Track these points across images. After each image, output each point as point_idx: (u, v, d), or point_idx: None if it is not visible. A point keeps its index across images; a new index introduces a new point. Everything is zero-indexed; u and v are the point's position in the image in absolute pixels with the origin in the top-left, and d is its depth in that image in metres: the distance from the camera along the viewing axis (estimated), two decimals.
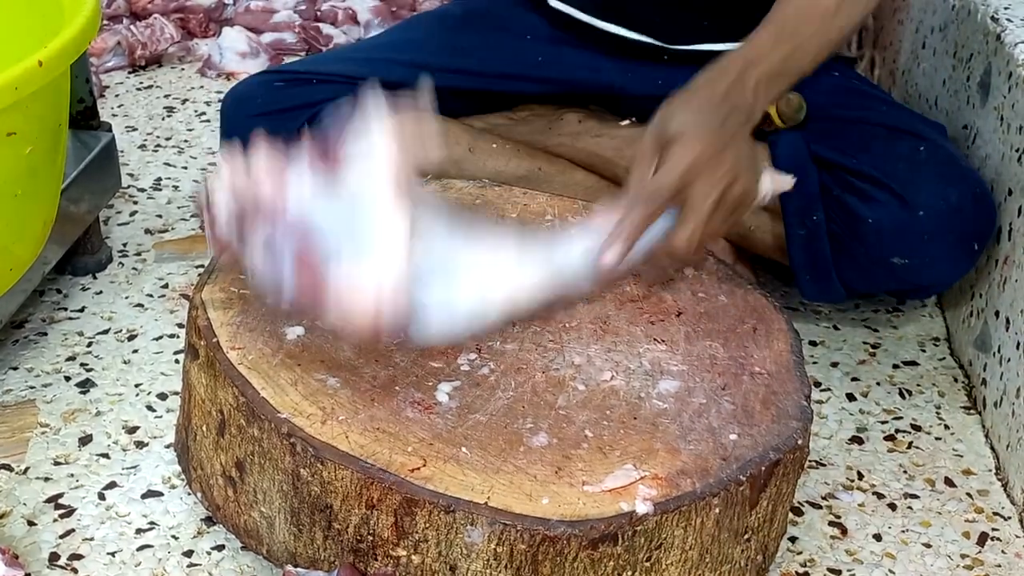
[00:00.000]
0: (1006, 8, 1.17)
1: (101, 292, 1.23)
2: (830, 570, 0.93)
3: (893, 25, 1.60)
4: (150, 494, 0.97)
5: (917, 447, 1.07)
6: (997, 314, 1.09)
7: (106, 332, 1.17)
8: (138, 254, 1.30)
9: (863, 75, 1.59)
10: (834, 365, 1.17)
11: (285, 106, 1.26)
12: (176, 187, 1.44)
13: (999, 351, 1.08)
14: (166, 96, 1.68)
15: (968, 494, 1.02)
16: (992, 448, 1.07)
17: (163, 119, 1.61)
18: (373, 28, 1.85)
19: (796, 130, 1.15)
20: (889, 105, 1.20)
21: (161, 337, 1.16)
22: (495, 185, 1.09)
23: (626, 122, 1.27)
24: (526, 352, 0.87)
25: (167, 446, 1.01)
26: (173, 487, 0.97)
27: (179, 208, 1.39)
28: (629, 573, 0.75)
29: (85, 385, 1.09)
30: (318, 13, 1.90)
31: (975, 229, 1.09)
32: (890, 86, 1.57)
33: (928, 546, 0.96)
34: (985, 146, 1.16)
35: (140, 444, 1.02)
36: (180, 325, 1.17)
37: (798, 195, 1.10)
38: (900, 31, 1.56)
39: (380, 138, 0.80)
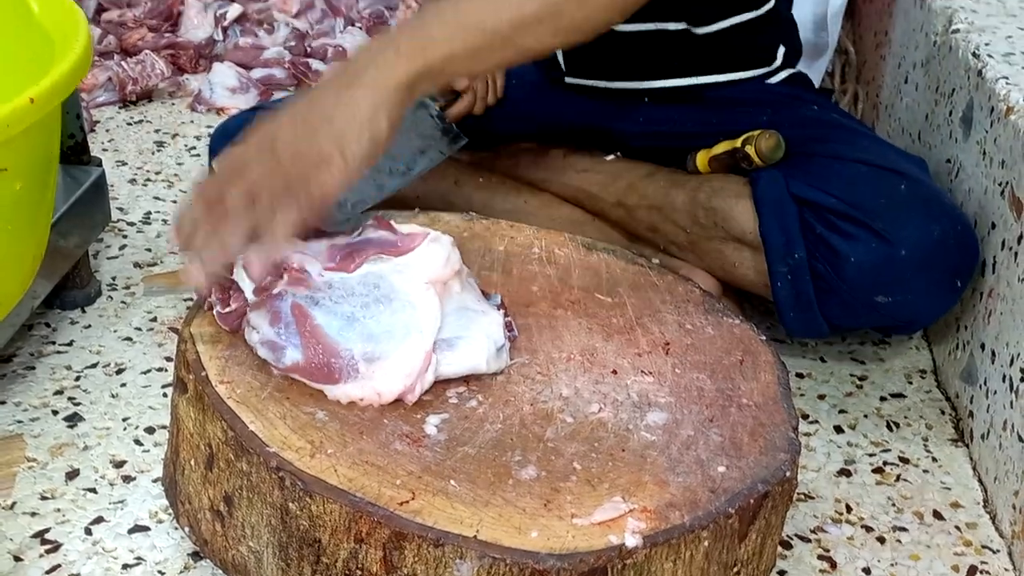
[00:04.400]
0: (986, 44, 1.19)
1: (90, 326, 1.23)
2: None
3: (876, 60, 1.62)
4: (137, 529, 0.96)
5: (905, 480, 1.07)
6: (983, 347, 1.10)
7: (94, 366, 1.16)
8: (127, 287, 1.30)
9: (845, 109, 1.61)
10: (821, 397, 1.18)
11: None
12: (165, 221, 1.44)
13: (985, 384, 1.08)
14: (156, 131, 1.69)
15: (957, 527, 1.02)
16: (980, 481, 1.07)
17: (153, 153, 1.62)
18: None
19: (775, 167, 1.15)
20: (870, 140, 1.20)
21: (149, 371, 1.16)
22: (482, 218, 1.10)
23: (611, 157, 1.28)
24: (514, 384, 0.87)
25: (154, 480, 1.01)
26: (160, 522, 0.97)
27: (168, 242, 1.39)
28: None
29: (73, 419, 1.09)
30: (308, 49, 1.91)
31: (957, 266, 1.10)
32: (873, 120, 1.59)
33: None
34: (968, 180, 1.17)
35: (127, 479, 1.02)
36: (168, 359, 1.17)
37: (779, 232, 1.11)
38: (883, 66, 1.58)
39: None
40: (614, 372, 0.90)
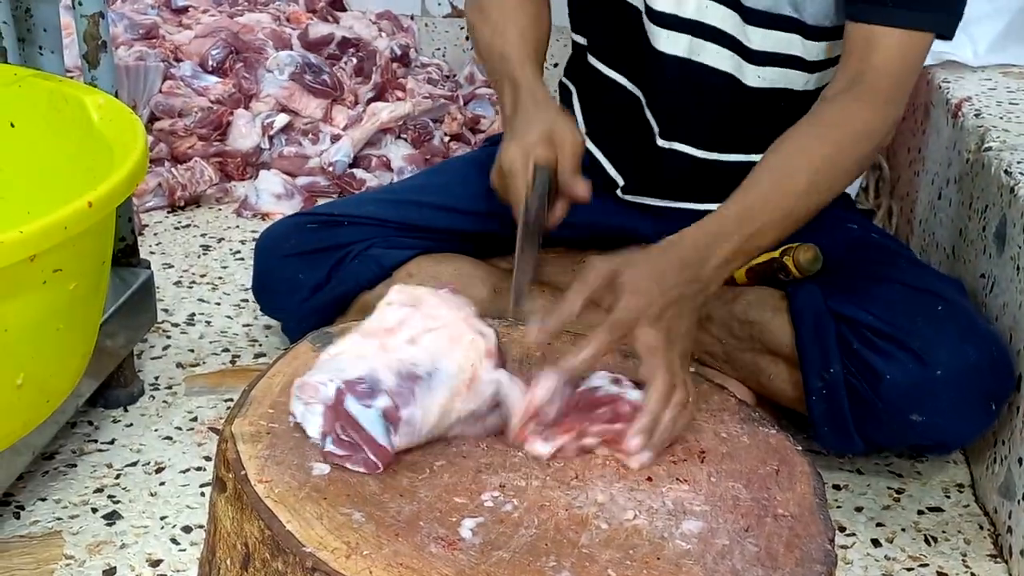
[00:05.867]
0: (1019, 163, 1.21)
1: (132, 425, 1.25)
2: None
3: (910, 176, 1.64)
4: None
5: None
6: (1020, 461, 1.09)
7: (134, 464, 1.18)
8: (169, 387, 1.32)
9: (881, 226, 1.63)
10: (858, 510, 1.17)
11: (317, 247, 1.30)
12: (209, 323, 1.47)
13: (1023, 499, 1.07)
14: (202, 235, 1.73)
15: None
16: None
17: (199, 257, 1.66)
18: (405, 174, 1.91)
19: (813, 281, 1.16)
20: (908, 261, 1.21)
21: (188, 470, 1.17)
22: (521, 323, 1.11)
23: None
24: (549, 489, 0.88)
25: None
26: None
27: (211, 343, 1.42)
28: None
29: (111, 517, 1.10)
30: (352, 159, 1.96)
31: (992, 389, 1.10)
32: (908, 235, 1.61)
33: None
34: (1003, 295, 1.18)
35: None
36: (207, 458, 1.19)
37: (815, 346, 1.11)
38: (916, 182, 1.60)
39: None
40: (649, 479, 0.90)
